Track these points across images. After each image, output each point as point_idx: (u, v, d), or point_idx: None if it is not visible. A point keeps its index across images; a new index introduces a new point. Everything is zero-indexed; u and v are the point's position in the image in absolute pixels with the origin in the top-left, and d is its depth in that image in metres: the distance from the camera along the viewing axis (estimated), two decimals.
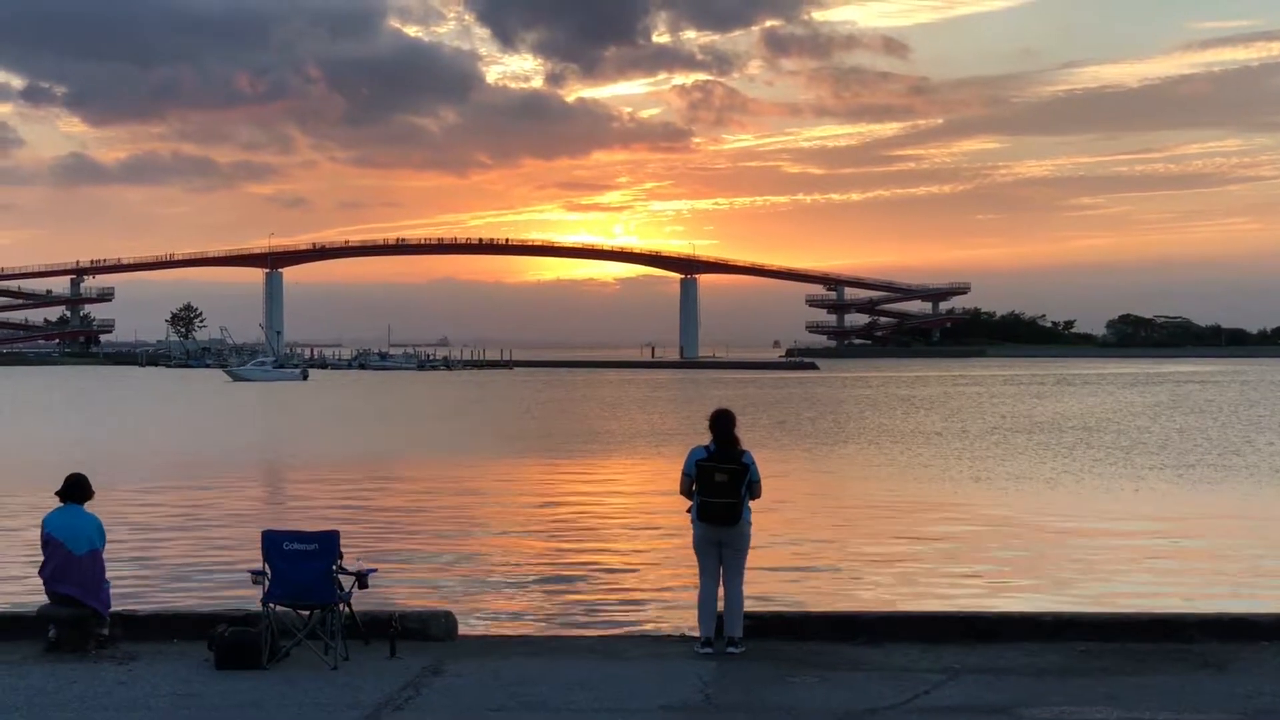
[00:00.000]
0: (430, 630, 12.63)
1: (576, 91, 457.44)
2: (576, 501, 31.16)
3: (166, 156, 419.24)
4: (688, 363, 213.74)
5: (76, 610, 12.10)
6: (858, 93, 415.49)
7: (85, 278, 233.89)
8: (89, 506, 12.49)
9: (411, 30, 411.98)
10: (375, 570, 12.52)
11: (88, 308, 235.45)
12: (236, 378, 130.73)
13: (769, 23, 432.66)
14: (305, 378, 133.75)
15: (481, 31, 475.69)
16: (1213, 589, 19.33)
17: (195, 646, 12.05)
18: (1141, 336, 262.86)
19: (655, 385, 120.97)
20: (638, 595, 18.78)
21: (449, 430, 59.29)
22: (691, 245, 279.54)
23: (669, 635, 13.25)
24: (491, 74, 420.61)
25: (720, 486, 11.96)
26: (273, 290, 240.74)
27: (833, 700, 10.38)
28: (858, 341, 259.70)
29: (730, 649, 12.02)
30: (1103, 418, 64.00)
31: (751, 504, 12.19)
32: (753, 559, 12.62)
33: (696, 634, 12.32)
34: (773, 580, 19.23)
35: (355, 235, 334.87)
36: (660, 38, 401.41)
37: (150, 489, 32.68)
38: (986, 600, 18.18)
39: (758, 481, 12.14)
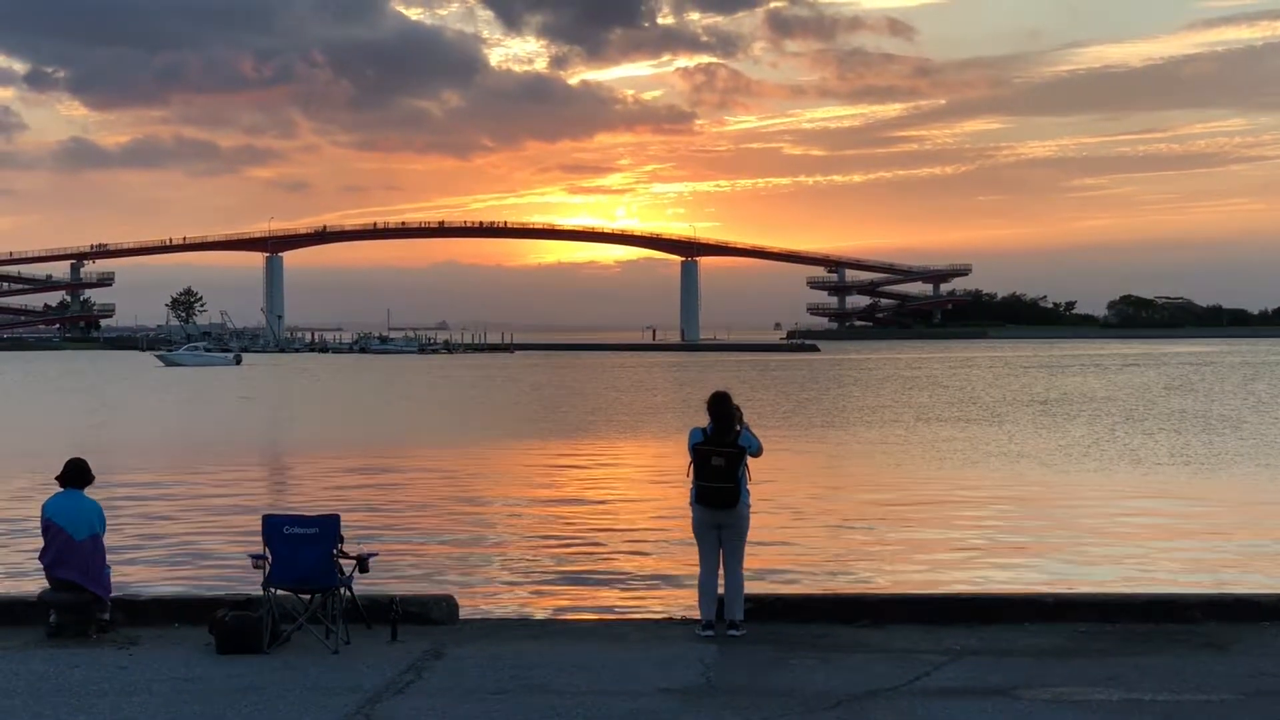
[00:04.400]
0: (431, 614, 12.63)
1: (580, 74, 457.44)
2: (577, 484, 31.16)
3: (168, 140, 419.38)
4: (689, 345, 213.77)
5: (77, 595, 12.10)
6: (861, 74, 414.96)
7: (86, 262, 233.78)
8: (89, 491, 12.49)
9: (415, 14, 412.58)
10: (376, 554, 12.52)
11: (88, 292, 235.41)
12: (169, 362, 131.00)
13: (773, 4, 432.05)
14: (239, 363, 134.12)
15: (485, 14, 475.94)
16: (1215, 569, 19.32)
17: (196, 631, 12.07)
18: (1143, 317, 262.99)
19: (656, 367, 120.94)
20: (639, 578, 18.78)
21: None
22: (693, 227, 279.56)
23: (670, 618, 13.23)
24: (495, 57, 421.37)
25: (717, 470, 11.89)
26: (273, 274, 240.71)
27: (834, 682, 10.38)
28: (859, 323, 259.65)
29: (731, 631, 12.00)
30: (1104, 398, 63.97)
31: (749, 469, 12.00)
32: (753, 540, 12.60)
33: (697, 617, 12.30)
34: (774, 562, 19.24)
35: (357, 219, 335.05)
36: (664, 19, 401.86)
37: (147, 473, 32.69)
38: (988, 581, 18.17)
39: (758, 450, 12.03)
